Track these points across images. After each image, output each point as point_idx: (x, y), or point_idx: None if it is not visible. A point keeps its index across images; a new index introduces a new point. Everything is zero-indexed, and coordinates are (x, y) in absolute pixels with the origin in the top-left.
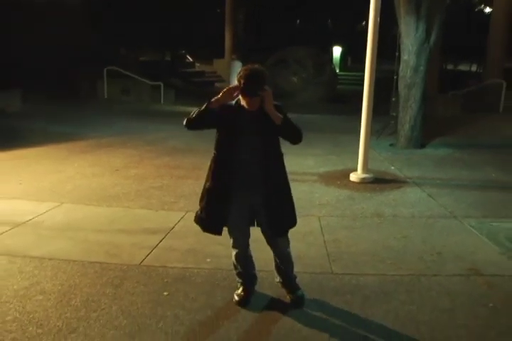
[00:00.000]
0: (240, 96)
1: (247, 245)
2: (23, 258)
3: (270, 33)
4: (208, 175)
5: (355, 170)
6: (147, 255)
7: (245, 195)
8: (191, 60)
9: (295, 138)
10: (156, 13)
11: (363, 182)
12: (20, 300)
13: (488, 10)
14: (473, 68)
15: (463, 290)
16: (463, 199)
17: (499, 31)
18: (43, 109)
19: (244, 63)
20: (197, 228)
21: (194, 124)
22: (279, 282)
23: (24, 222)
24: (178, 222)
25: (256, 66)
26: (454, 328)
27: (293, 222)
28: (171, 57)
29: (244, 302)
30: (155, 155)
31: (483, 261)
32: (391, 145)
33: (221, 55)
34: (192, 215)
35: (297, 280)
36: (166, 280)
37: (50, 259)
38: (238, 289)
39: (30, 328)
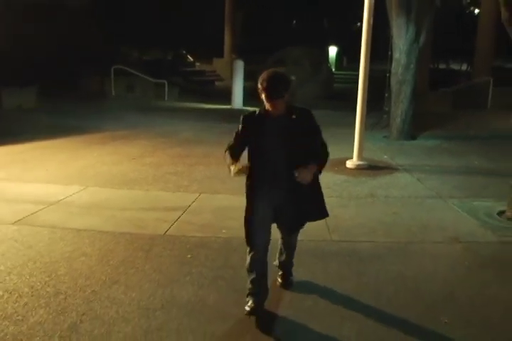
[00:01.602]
0: (264, 104)
1: (267, 247)
2: (62, 230)
3: (268, 33)
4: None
5: (351, 158)
6: (169, 227)
7: (271, 191)
8: (192, 59)
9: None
10: (156, 13)
11: (358, 168)
12: (67, 260)
13: (477, 11)
14: (464, 67)
15: (444, 253)
16: (448, 182)
17: (486, 31)
18: (56, 105)
19: (245, 62)
20: (211, 206)
21: (233, 158)
22: (276, 265)
23: (56, 202)
24: (194, 201)
25: (278, 69)
26: (435, 281)
27: (322, 215)
28: (172, 57)
29: (255, 313)
30: (167, 145)
31: (463, 232)
32: (384, 137)
33: (220, 55)
34: (205, 197)
35: (293, 266)
36: (188, 246)
37: (86, 230)
38: (248, 301)
39: (80, 280)
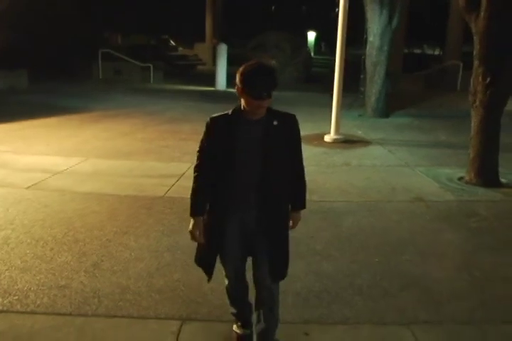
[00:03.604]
0: (241, 103)
1: (242, 275)
2: (71, 193)
3: (247, 18)
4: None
5: (329, 133)
6: (167, 190)
7: (240, 218)
8: (174, 44)
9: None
10: None
11: (335, 142)
12: (80, 216)
13: None
14: (437, 52)
15: (409, 209)
16: (416, 154)
17: (457, 17)
18: (47, 87)
19: (230, 46)
20: None
21: (204, 184)
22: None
23: (61, 171)
24: (187, 170)
25: (263, 60)
26: (400, 230)
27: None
28: (156, 42)
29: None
30: (157, 123)
31: (426, 193)
32: (359, 115)
33: (202, 40)
34: None
35: None
36: (185, 206)
37: (92, 193)
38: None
39: (94, 231)
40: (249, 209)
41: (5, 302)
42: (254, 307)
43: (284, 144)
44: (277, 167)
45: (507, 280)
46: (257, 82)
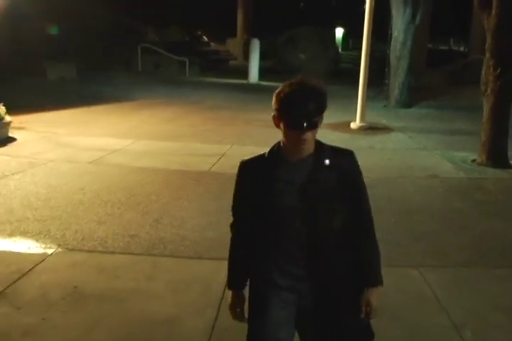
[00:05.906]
0: (282, 138)
1: None
2: (128, 167)
3: (277, 14)
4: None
5: (355, 121)
6: (211, 166)
7: (286, 287)
8: (206, 39)
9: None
10: None
11: (360, 129)
12: (139, 185)
13: None
14: (462, 48)
15: (423, 184)
16: (434, 139)
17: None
18: (92, 78)
19: (261, 41)
20: (243, 153)
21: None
22: None
23: (117, 150)
24: (228, 150)
25: (307, 80)
26: (414, 199)
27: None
28: (189, 38)
29: None
30: (197, 110)
31: (440, 171)
32: (384, 106)
33: (233, 35)
34: (236, 147)
35: None
36: (228, 178)
37: (146, 168)
38: None
39: (152, 196)
40: (298, 281)
41: (89, 245)
42: None
43: (340, 192)
44: (330, 224)
45: (503, 237)
46: (296, 106)
